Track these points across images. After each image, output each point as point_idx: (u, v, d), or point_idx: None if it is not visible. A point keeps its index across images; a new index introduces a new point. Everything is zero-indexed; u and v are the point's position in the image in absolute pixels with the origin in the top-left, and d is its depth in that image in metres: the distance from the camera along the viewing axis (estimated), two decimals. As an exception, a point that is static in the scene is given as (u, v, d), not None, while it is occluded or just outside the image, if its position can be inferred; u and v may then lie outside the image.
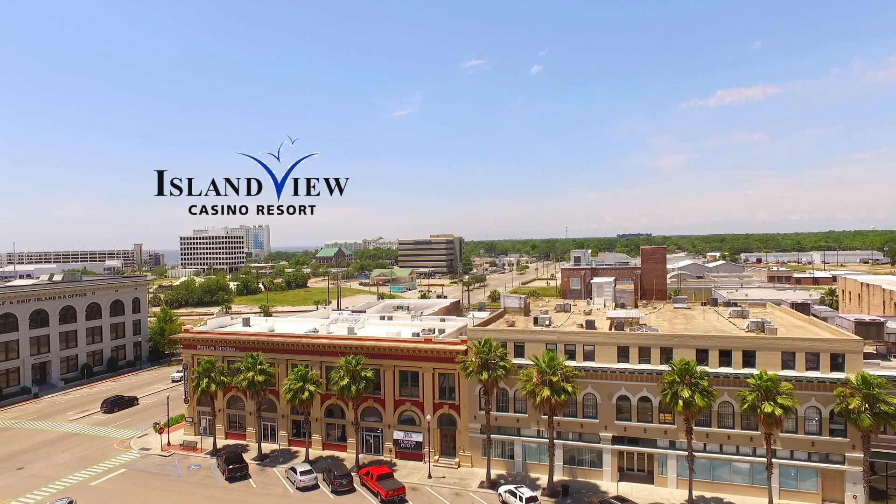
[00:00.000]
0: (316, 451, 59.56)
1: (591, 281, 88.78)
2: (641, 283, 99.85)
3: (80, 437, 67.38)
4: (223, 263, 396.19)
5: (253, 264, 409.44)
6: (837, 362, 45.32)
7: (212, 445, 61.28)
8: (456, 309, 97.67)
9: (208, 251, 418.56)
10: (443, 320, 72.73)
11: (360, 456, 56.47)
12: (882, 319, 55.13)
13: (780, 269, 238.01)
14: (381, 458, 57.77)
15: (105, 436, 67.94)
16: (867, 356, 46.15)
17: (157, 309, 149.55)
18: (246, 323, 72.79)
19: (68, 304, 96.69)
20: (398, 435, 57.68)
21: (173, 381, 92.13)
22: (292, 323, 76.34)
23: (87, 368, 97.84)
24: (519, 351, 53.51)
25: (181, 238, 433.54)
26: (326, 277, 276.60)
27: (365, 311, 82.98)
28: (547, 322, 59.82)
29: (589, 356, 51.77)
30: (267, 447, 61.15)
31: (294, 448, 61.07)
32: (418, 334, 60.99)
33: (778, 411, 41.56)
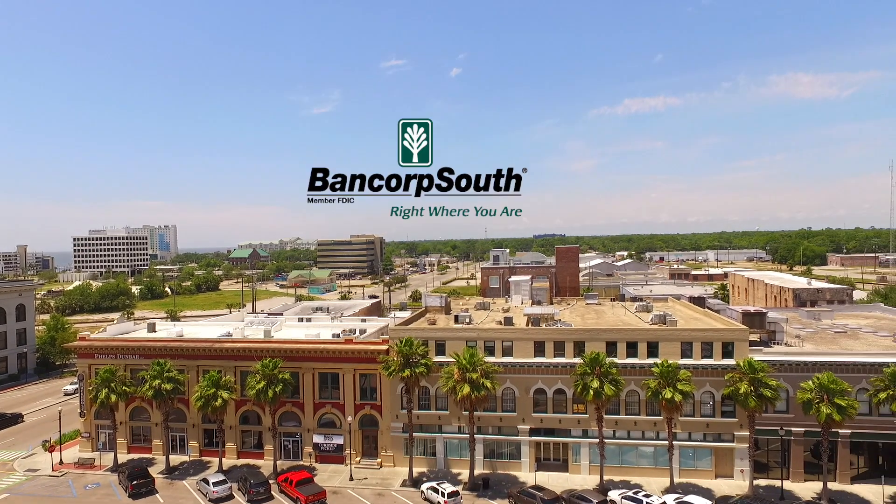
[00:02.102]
0: (230, 461, 56.98)
1: (510, 279, 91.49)
2: (556, 280, 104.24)
3: (-48, 462, 60.09)
4: (124, 266, 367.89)
5: (158, 267, 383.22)
6: (728, 350, 49.80)
7: (112, 461, 56.81)
8: (377, 309, 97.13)
9: (107, 253, 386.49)
10: (364, 321, 72.05)
11: (279, 462, 54.69)
12: (764, 310, 61.21)
13: (680, 266, 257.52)
14: (301, 463, 56.29)
15: (-16, 458, 61.05)
16: (752, 343, 51.04)
17: (46, 316, 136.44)
18: (151, 328, 68.27)
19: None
20: (318, 439, 56.45)
21: (66, 395, 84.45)
22: (204, 327, 72.50)
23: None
24: (440, 349, 54.15)
25: (74, 239, 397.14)
26: (240, 280, 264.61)
27: (282, 314, 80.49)
28: (467, 320, 60.98)
29: (507, 352, 53.37)
30: (176, 459, 57.68)
31: (206, 458, 58.04)
32: (338, 335, 60.05)
33: (677, 397, 45.03)
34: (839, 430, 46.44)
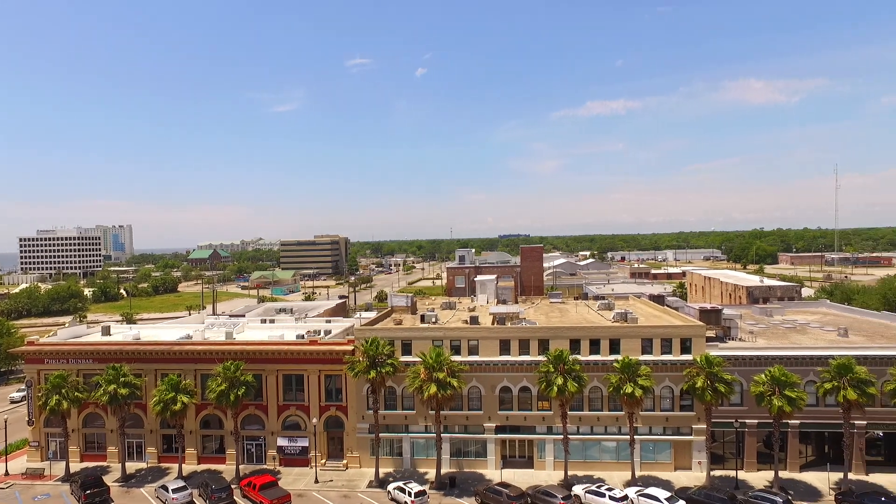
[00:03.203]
0: (190, 466, 55.46)
1: (475, 279, 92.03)
2: (521, 280, 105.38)
3: None
4: (76, 268, 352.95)
5: (113, 268, 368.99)
6: (686, 346, 51.42)
7: (64, 471, 54.50)
8: (342, 310, 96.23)
9: (57, 254, 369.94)
10: (329, 322, 71.24)
11: (241, 467, 53.51)
12: (720, 307, 63.42)
13: (640, 266, 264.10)
14: (265, 466, 55.25)
15: (-78, 471, 57.56)
16: (709, 339, 52.84)
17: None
18: (106, 332, 65.85)
19: None
20: (282, 441, 55.54)
21: (12, 402, 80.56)
22: (162, 330, 70.31)
23: None
24: (406, 348, 54.06)
25: (21, 239, 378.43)
26: (200, 281, 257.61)
27: (245, 315, 78.81)
28: (433, 319, 61.08)
29: (473, 350, 53.71)
30: (133, 466, 55.78)
31: (165, 465, 56.31)
32: (303, 336, 59.23)
33: (638, 392, 46.20)
34: (789, 421, 48.56)
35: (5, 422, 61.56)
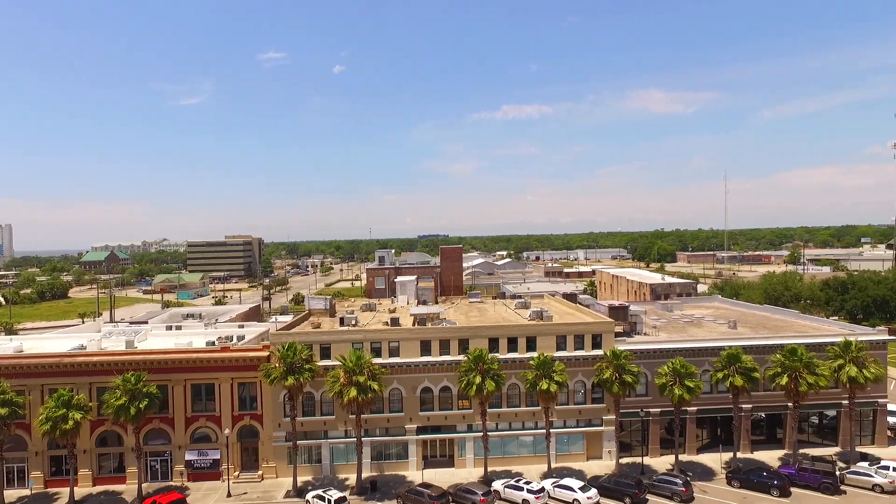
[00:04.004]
0: (85, 489, 50.85)
1: (395, 280, 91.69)
2: (441, 280, 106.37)
3: None
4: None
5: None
6: (597, 341, 54.14)
7: (-71, 503, 48.11)
8: (256, 314, 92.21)
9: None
10: (242, 327, 68.05)
11: (144, 485, 49.77)
12: (627, 304, 67.43)
13: (554, 265, 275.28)
14: (171, 483, 51.79)
15: None
16: (617, 335, 55.96)
17: None
18: (-19, 344, 58.81)
19: None
20: (191, 455, 52.31)
21: None
22: (50, 340, 63.93)
23: None
24: (325, 352, 52.80)
25: None
26: (96, 286, 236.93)
27: (147, 322, 73.50)
28: (353, 322, 60.10)
29: (394, 352, 53.42)
30: (14, 494, 50.28)
31: (54, 490, 51.21)
32: (214, 343, 56.11)
33: (553, 387, 48.08)
34: (688, 409, 52.53)
35: None
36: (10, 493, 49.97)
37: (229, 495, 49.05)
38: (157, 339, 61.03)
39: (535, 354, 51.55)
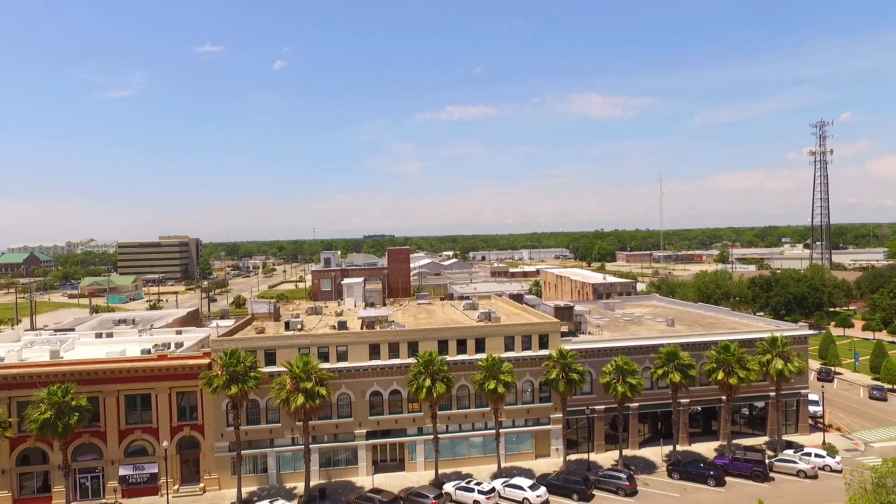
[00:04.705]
0: (4, 512, 47.08)
1: (342, 282, 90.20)
2: (388, 281, 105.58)
3: None
4: None
5: None
6: (544, 341, 55.22)
7: None
8: (195, 319, 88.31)
9: None
10: (180, 332, 64.95)
11: (73, 505, 46.65)
12: (572, 304, 69.19)
13: (500, 265, 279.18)
14: (104, 501, 48.73)
15: None
16: (563, 334, 57.31)
17: None
18: None
19: None
20: (126, 470, 49.44)
21: None
22: (-38, 352, 58.68)
23: None
24: (270, 358, 51.24)
25: None
26: (13, 290, 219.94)
27: (74, 329, 68.91)
28: (299, 326, 58.63)
29: (342, 356, 52.51)
30: (-79, 521, 45.89)
31: (-32, 514, 47.17)
32: (150, 351, 53.31)
33: (501, 388, 48.63)
34: (630, 405, 54.51)
35: None
36: (-84, 521, 45.63)
37: (168, 511, 46.72)
38: (87, 348, 57.34)
39: (484, 356, 51.98)
